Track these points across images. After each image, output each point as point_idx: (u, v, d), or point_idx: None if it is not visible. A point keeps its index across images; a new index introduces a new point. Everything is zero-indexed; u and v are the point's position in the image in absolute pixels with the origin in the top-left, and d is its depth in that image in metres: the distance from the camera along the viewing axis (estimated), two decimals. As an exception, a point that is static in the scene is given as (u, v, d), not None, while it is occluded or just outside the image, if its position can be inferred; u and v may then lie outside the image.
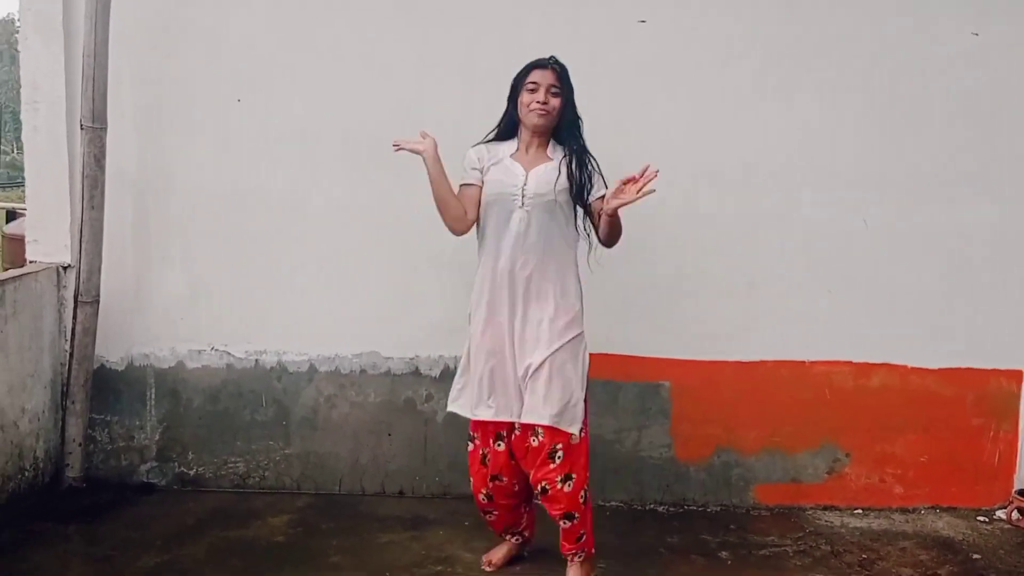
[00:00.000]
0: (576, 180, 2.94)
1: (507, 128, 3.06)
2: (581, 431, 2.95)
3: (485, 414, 2.98)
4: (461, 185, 3.03)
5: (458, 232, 3.03)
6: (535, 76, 2.93)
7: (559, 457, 2.92)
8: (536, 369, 2.91)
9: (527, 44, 3.55)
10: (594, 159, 2.99)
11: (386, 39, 3.66)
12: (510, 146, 3.03)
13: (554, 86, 2.93)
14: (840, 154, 3.73)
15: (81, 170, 3.54)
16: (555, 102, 2.94)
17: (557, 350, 2.92)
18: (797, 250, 3.77)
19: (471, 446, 3.09)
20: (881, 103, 3.72)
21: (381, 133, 3.58)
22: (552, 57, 2.98)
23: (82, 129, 3.51)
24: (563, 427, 2.91)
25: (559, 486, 2.92)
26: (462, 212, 3.00)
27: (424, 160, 2.95)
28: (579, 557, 3.03)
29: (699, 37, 3.67)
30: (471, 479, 3.11)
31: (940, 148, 3.74)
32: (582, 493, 2.96)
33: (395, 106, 3.67)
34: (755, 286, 3.78)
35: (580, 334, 3.00)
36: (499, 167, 3.00)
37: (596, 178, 2.99)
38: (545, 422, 2.89)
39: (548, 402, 2.89)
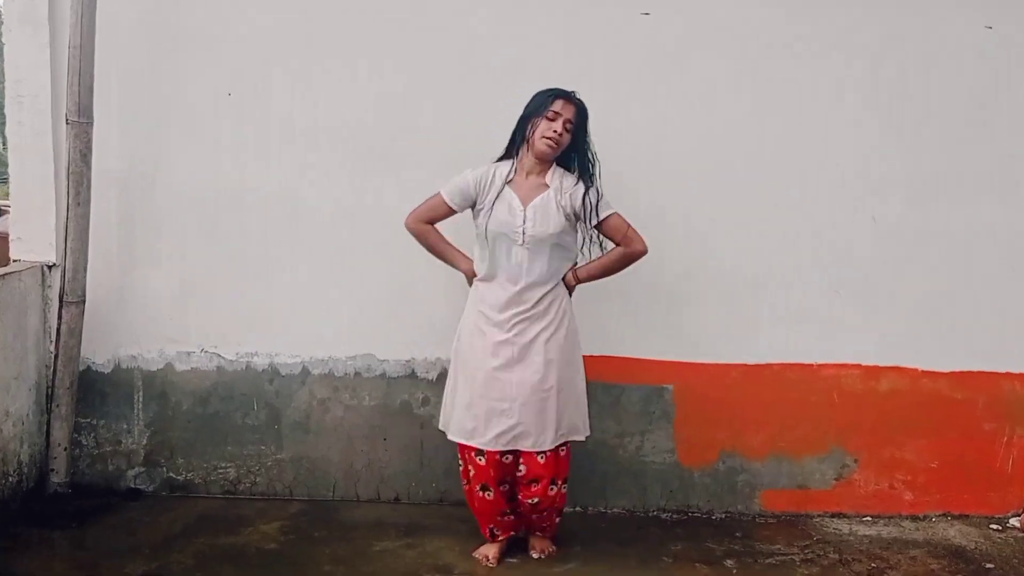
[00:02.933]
0: (585, 214, 3.10)
1: (509, 148, 3.17)
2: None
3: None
4: (440, 195, 3.17)
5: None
6: (558, 106, 3.04)
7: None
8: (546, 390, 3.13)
9: (527, 39, 3.63)
10: (599, 189, 3.15)
11: (382, 34, 3.63)
12: (506, 168, 3.14)
13: (570, 121, 3.05)
14: (847, 152, 3.71)
15: (66, 166, 3.50)
16: (567, 138, 3.07)
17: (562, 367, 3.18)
18: (804, 251, 3.75)
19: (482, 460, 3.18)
20: (888, 99, 3.69)
21: (376, 131, 3.71)
22: (574, 92, 3.10)
23: (67, 124, 3.46)
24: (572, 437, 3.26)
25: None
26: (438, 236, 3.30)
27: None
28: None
29: (705, 34, 3.64)
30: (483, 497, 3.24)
31: (950, 145, 3.71)
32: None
33: (391, 103, 3.65)
34: (760, 287, 3.76)
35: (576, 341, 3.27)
36: (500, 201, 3.09)
37: (601, 206, 3.12)
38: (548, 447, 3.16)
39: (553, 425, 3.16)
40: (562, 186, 3.09)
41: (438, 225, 3.25)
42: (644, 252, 3.17)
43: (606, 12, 3.61)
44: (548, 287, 3.13)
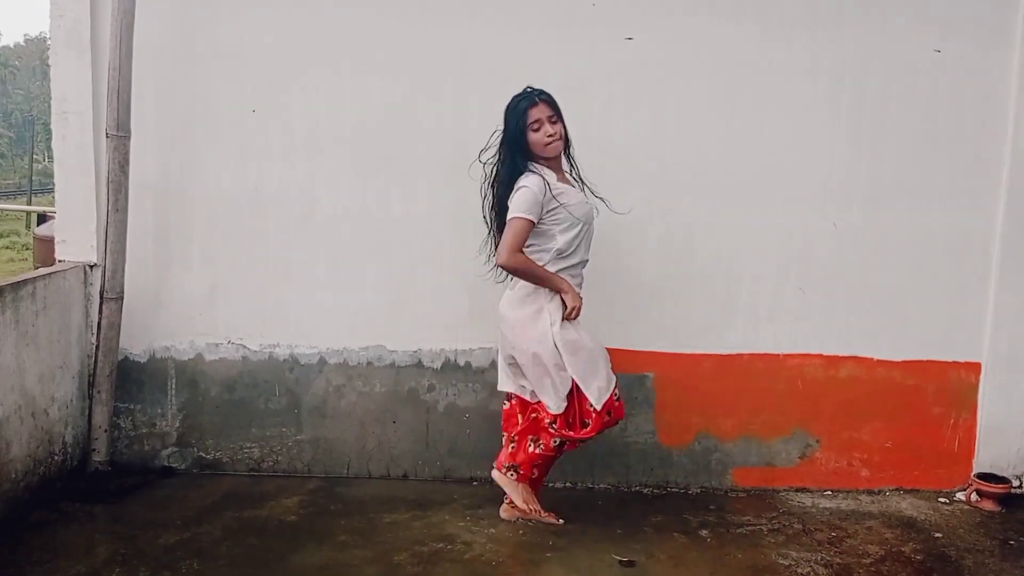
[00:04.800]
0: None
1: (515, 168, 3.16)
2: None
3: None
4: (521, 219, 3.09)
5: None
6: (533, 114, 3.11)
7: None
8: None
9: (523, 44, 3.67)
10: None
11: (386, 48, 3.73)
12: (551, 173, 3.22)
13: (551, 115, 3.13)
14: (810, 163, 3.80)
15: (106, 176, 3.62)
16: (559, 128, 3.16)
17: None
18: (772, 252, 3.85)
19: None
20: (850, 114, 3.79)
21: (383, 138, 3.77)
22: (533, 90, 3.16)
23: (107, 137, 3.59)
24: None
25: None
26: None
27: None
28: None
29: (682, 56, 3.74)
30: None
31: (906, 157, 3.81)
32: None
33: (397, 112, 3.76)
34: (734, 284, 3.86)
35: None
36: (565, 192, 3.19)
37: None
38: None
39: None
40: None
41: None
42: None
43: (595, 32, 3.70)
44: None
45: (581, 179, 3.38)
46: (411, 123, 3.77)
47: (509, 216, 3.11)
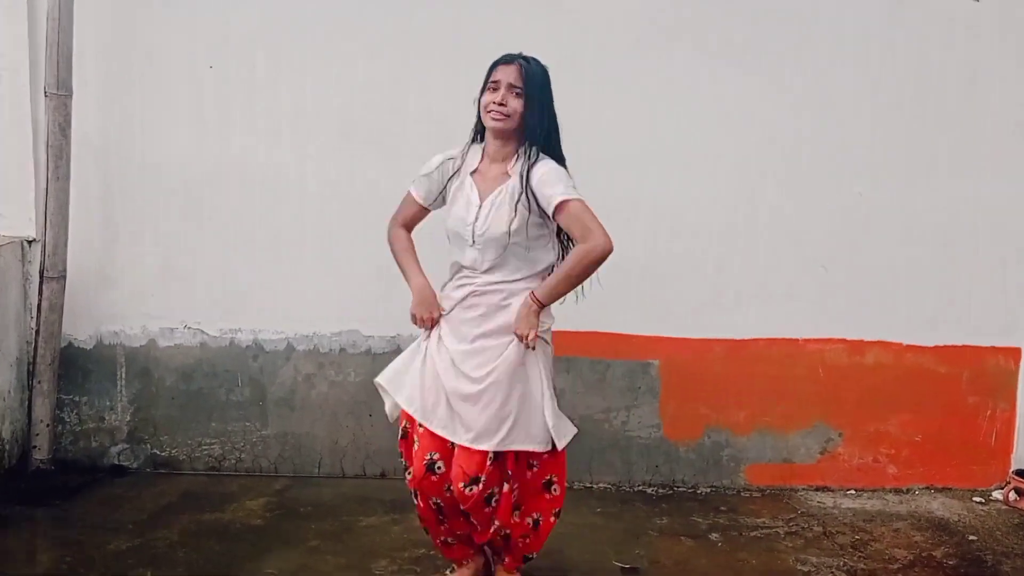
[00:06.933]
0: (535, 206, 2.56)
1: (478, 132, 2.74)
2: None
3: None
4: (409, 190, 2.73)
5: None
6: (497, 73, 2.60)
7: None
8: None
9: (513, 25, 3.52)
10: (552, 164, 2.58)
11: (372, 15, 3.63)
12: (475, 156, 2.68)
13: (516, 86, 2.56)
14: (833, 129, 3.70)
15: (45, 139, 3.49)
16: (516, 104, 2.56)
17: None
18: (789, 226, 3.74)
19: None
20: (877, 73, 3.68)
21: (363, 111, 3.72)
22: (522, 53, 2.64)
23: (46, 96, 3.45)
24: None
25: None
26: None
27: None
28: None
29: (685, 25, 3.64)
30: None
31: (937, 123, 3.71)
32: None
33: (379, 85, 3.64)
34: (746, 262, 3.76)
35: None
36: (461, 193, 2.64)
37: (551, 189, 2.53)
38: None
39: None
40: (526, 174, 2.58)
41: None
42: (606, 248, 2.44)
43: (586, 10, 3.60)
44: (506, 291, 2.63)
45: (528, 188, 2.57)
46: (392, 95, 3.65)
47: None
